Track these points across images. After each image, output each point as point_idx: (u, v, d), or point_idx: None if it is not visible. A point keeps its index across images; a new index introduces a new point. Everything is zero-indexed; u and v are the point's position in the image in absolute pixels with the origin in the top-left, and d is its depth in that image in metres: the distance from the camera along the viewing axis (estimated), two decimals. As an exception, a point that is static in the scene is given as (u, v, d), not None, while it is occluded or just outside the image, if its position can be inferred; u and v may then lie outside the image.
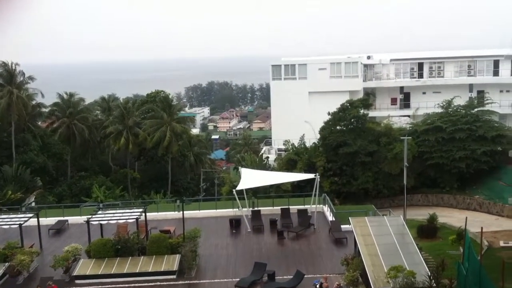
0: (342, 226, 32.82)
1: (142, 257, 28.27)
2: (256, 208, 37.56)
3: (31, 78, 68.25)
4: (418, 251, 26.30)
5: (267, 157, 62.63)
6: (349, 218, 30.03)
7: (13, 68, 66.71)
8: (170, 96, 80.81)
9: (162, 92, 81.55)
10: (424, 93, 74.98)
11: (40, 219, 33.15)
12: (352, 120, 53.53)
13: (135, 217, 30.67)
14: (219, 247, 31.68)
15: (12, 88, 64.40)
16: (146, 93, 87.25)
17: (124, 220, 31.06)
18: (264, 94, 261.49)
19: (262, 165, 54.83)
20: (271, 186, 45.08)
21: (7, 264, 27.82)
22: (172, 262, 27.54)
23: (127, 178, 69.27)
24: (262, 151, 74.50)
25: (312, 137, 58.05)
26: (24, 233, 31.05)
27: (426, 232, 38.64)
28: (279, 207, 37.40)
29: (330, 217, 35.69)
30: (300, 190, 44.13)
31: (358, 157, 51.43)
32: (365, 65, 76.24)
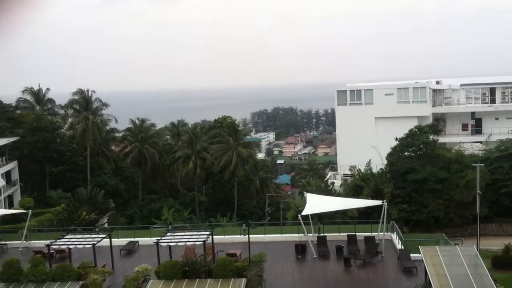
0: (411, 255, 31.89)
1: (209, 279, 28.61)
2: (321, 234, 37.22)
3: (105, 104, 71.65)
4: (493, 283, 25.14)
5: (333, 183, 62.09)
6: (419, 247, 29.14)
7: (89, 95, 70.31)
8: (236, 122, 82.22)
9: (228, 118, 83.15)
10: (497, 118, 72.26)
11: (112, 239, 34.32)
12: (421, 146, 52.23)
13: (202, 239, 31.21)
14: (285, 272, 31.59)
15: (88, 114, 67.73)
16: (214, 118, 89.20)
17: (192, 243, 31.64)
18: (329, 120, 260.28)
19: (328, 191, 54.39)
20: (337, 212, 44.59)
21: (81, 282, 28.91)
22: (238, 285, 27.70)
23: (194, 201, 70.66)
24: (327, 177, 73.95)
25: (378, 163, 57.09)
26: (97, 253, 32.23)
27: (501, 263, 36.87)
28: (346, 234, 36.87)
29: (399, 245, 34.77)
30: (366, 216, 43.33)
31: (428, 184, 49.96)
32: (434, 90, 74.52)
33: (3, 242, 38.20)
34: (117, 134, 77.70)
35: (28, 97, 77.54)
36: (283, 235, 38.52)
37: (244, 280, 28.05)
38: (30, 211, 41.80)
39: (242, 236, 37.37)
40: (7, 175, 61.00)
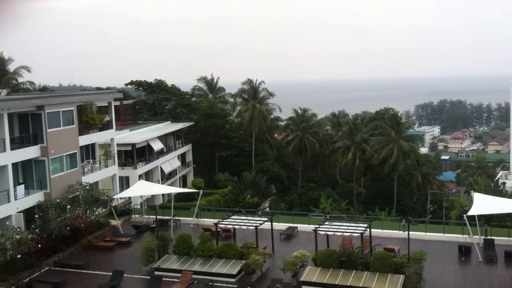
0: None
1: (366, 272, 28.71)
2: (489, 237, 34.96)
3: (271, 94, 74.56)
4: None
5: (504, 183, 57.47)
6: None
7: (257, 84, 73.71)
8: (398, 114, 79.98)
9: (391, 110, 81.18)
10: None
11: (273, 223, 36.00)
12: None
13: (360, 232, 31.30)
14: (446, 273, 30.38)
15: (255, 102, 71.11)
16: (375, 110, 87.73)
17: (350, 234, 31.91)
18: (503, 114, 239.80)
19: (498, 191, 50.51)
20: (508, 214, 41.34)
21: (243, 261, 30.91)
22: (396, 281, 27.41)
23: (352, 193, 70.57)
24: (498, 176, 68.56)
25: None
26: (259, 235, 33.99)
27: None
28: (517, 239, 34.17)
29: None
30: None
31: None
32: None
33: (177, 218, 42.04)
34: (280, 123, 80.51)
35: (202, 85, 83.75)
36: (445, 234, 36.90)
37: (402, 277, 27.65)
38: (201, 191, 45.41)
39: (401, 231, 36.70)
40: (182, 157, 66.83)
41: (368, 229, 31.99)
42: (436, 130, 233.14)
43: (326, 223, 34.02)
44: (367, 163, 72.15)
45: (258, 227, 33.84)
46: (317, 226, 32.79)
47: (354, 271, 28.85)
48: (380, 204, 68.65)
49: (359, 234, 31.23)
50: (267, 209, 56.98)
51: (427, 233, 37.23)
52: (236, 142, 73.67)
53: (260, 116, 70.46)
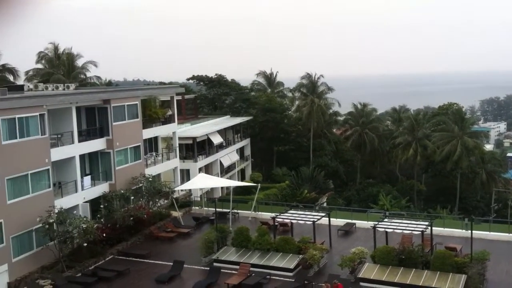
0: None
1: (426, 271, 28.19)
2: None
3: (330, 88, 74.06)
4: None
5: None
6: None
7: (316, 79, 73.36)
8: (463, 109, 77.52)
9: (455, 105, 78.81)
10: None
11: (330, 219, 35.88)
12: None
13: (420, 229, 30.72)
14: (511, 274, 29.36)
15: (314, 97, 70.84)
16: (438, 105, 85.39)
17: (410, 231, 31.37)
18: None
19: None
20: None
21: (301, 256, 31.04)
22: (457, 281, 26.76)
23: (413, 190, 69.08)
24: None
25: None
26: (316, 230, 33.99)
27: None
28: None
29: None
30: None
31: None
32: None
33: (235, 211, 42.67)
34: (339, 118, 79.81)
35: (261, 80, 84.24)
36: (510, 234, 35.64)
37: (464, 277, 26.99)
38: (259, 185, 45.81)
39: (463, 230, 35.74)
40: (241, 151, 67.58)
41: (429, 227, 31.36)
42: (502, 126, 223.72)
43: (385, 220, 33.61)
44: (428, 160, 70.37)
45: (316, 222, 33.85)
46: (376, 222, 32.44)
47: (413, 269, 28.39)
48: (441, 202, 66.85)
49: (419, 232, 30.68)
50: (325, 204, 56.75)
51: (491, 233, 36.09)
52: (294, 137, 73.73)
53: (319, 110, 70.14)
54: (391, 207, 57.03)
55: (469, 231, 28.42)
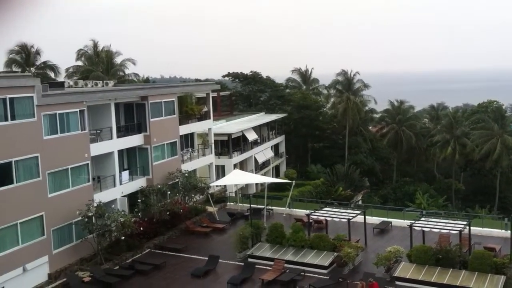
0: None
1: (464, 271, 27.69)
2: None
3: (366, 85, 73.35)
4: None
5: None
6: None
7: (352, 76, 72.79)
8: (503, 107, 75.66)
9: (494, 102, 77.02)
10: None
11: (366, 217, 35.59)
12: None
13: (458, 229, 30.18)
14: (552, 277, 28.54)
15: (349, 94, 70.32)
16: (477, 103, 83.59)
17: (447, 231, 30.85)
18: None
19: None
20: None
21: (335, 254, 30.90)
22: (496, 282, 26.20)
23: (450, 189, 67.87)
24: None
25: None
26: (351, 227, 33.75)
27: None
28: None
29: None
30: None
31: None
32: None
33: (270, 207, 42.77)
34: (375, 115, 79.04)
35: (296, 77, 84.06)
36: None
37: (503, 278, 26.43)
38: (293, 181, 45.78)
39: (502, 230, 34.93)
40: (276, 148, 67.64)
41: (467, 227, 30.76)
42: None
43: (422, 219, 33.17)
44: (467, 158, 68.99)
45: (351, 220, 33.64)
46: (413, 221, 32.05)
47: (451, 269, 27.92)
48: (480, 201, 65.47)
49: (457, 232, 30.16)
50: (360, 202, 56.33)
51: (533, 234, 35.11)
52: (329, 134, 73.37)
53: (354, 108, 69.57)
54: (428, 206, 56.23)
55: (509, 231, 27.82)
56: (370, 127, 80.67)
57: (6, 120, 26.97)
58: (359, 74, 73.61)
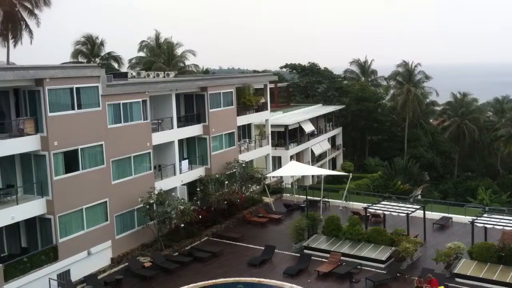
0: None
1: (528, 270, 26.71)
2: None
3: (427, 77, 71.50)
4: None
5: None
6: None
7: (413, 67, 71.09)
8: None
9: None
10: None
11: (425, 212, 34.85)
12: None
13: (524, 227, 29.10)
14: None
15: (410, 86, 68.76)
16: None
17: (511, 228, 29.83)
18: None
19: None
20: None
21: (393, 248, 30.48)
22: None
23: (515, 185, 65.29)
24: None
25: None
26: (410, 222, 33.15)
27: None
28: None
29: None
30: None
31: None
32: None
33: (326, 200, 42.59)
34: (436, 108, 76.90)
35: (354, 68, 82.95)
36: None
37: None
38: (350, 174, 45.38)
39: None
40: (332, 140, 67.17)
41: (534, 225, 29.60)
42: None
43: (485, 215, 32.16)
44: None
45: (410, 215, 33.05)
46: (475, 218, 31.15)
47: (514, 268, 27.00)
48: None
49: (522, 229, 29.07)
50: (419, 197, 55.06)
51: None
52: (388, 127, 72.06)
53: (415, 100, 67.97)
54: (490, 202, 54.37)
55: None
56: (431, 120, 78.62)
57: (73, 109, 28.13)
58: (420, 65, 71.72)
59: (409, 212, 33.12)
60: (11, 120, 26.94)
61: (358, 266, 29.09)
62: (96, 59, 61.84)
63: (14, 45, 52.52)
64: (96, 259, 29.56)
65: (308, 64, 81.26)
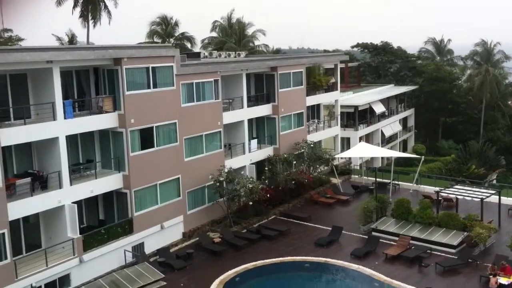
0: None
1: None
2: None
3: (507, 57, 68.09)
4: None
5: None
6: None
7: (492, 46, 67.84)
8: None
9: None
10: None
11: (501, 197, 33.59)
12: None
13: None
14: None
15: (488, 66, 65.76)
16: None
17: None
18: None
19: None
20: None
21: (466, 233, 29.69)
22: None
23: None
24: None
25: None
26: (484, 208, 32.08)
27: None
28: None
29: None
30: None
31: None
32: None
33: (396, 182, 41.91)
34: (516, 88, 73.17)
35: (430, 47, 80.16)
36: None
37: None
38: (422, 157, 44.30)
39: None
40: (404, 121, 65.61)
41: None
42: None
43: None
44: None
45: (484, 200, 31.99)
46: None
47: None
48: None
49: None
50: (494, 181, 52.89)
51: None
52: (464, 108, 69.39)
53: (493, 80, 64.95)
54: None
55: None
56: (510, 102, 74.89)
57: (149, 88, 29.16)
58: (500, 45, 68.25)
59: (484, 197, 32.08)
60: (91, 98, 28.30)
61: (428, 251, 28.61)
62: (171, 39, 63.31)
63: (94, 26, 54.77)
64: (169, 233, 30.78)
65: (381, 43, 79.38)
